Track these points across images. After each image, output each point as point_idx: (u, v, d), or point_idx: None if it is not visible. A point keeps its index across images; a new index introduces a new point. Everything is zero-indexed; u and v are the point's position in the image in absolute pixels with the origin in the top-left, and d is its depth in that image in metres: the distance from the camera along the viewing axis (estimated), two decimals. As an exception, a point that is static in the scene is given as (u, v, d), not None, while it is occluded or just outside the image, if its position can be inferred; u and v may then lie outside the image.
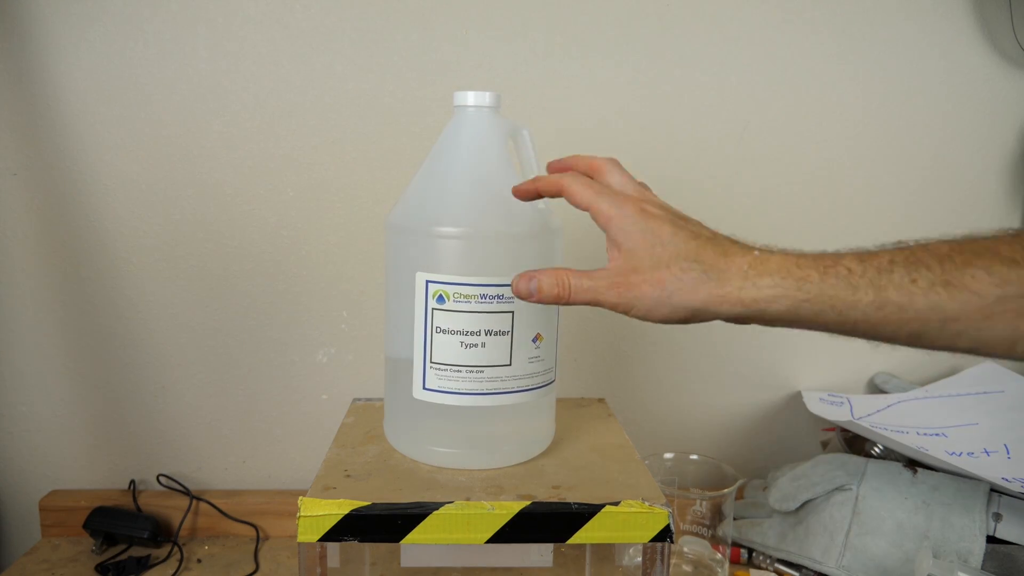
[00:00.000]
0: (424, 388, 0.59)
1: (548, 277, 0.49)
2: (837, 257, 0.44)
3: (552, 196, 0.54)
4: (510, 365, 0.58)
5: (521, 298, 0.51)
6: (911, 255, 0.42)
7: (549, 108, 0.92)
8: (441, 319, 0.57)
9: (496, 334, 0.57)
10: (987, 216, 1.00)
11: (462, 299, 0.57)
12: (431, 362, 0.58)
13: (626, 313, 0.47)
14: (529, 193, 0.54)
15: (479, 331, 0.57)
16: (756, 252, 0.46)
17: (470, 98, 0.60)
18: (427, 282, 0.57)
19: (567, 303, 0.49)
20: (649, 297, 0.46)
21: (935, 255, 0.41)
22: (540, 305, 0.59)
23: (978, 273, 0.39)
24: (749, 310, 0.44)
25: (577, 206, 0.51)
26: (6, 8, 0.85)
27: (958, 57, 0.96)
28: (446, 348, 0.58)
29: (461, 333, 0.57)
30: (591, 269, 0.50)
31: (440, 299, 0.57)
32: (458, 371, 0.58)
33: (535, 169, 0.64)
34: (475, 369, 0.58)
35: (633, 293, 0.46)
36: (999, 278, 0.39)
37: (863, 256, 0.43)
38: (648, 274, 0.46)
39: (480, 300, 0.57)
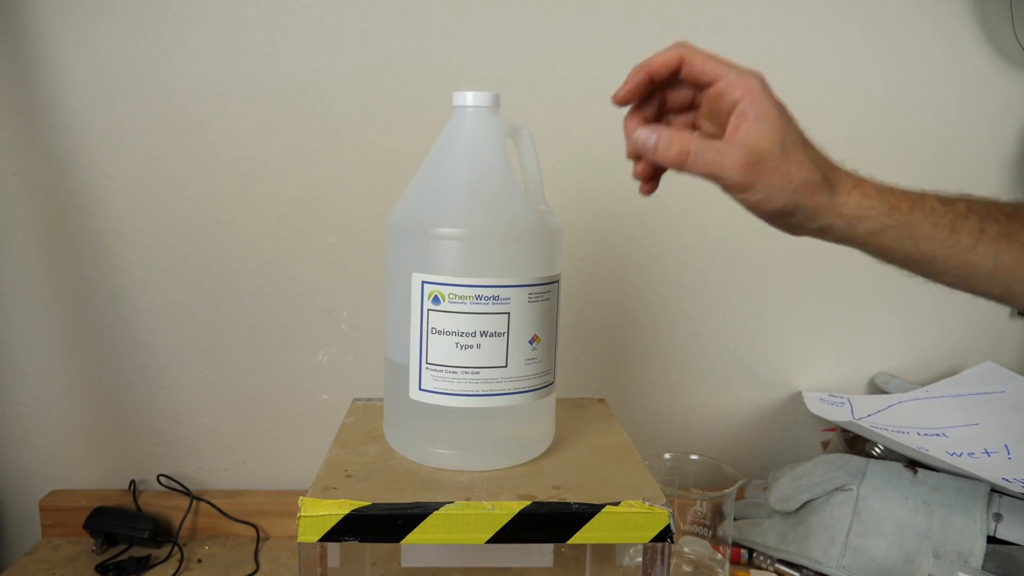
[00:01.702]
0: (420, 389, 0.59)
1: (668, 136, 0.46)
2: (923, 196, 0.49)
3: (667, 73, 0.49)
4: (506, 367, 0.58)
5: (637, 150, 0.48)
6: (984, 207, 0.48)
7: (549, 108, 0.92)
8: (436, 320, 0.57)
9: (492, 335, 0.57)
10: (987, 216, 0.99)
11: (457, 300, 0.57)
12: (427, 363, 0.58)
13: (738, 194, 0.47)
14: (641, 78, 0.49)
15: (474, 332, 0.57)
16: (855, 173, 0.49)
17: (469, 98, 0.60)
18: (423, 283, 0.57)
19: (683, 170, 0.47)
20: (774, 186, 0.46)
21: (1003, 212, 0.48)
22: (536, 307, 0.58)
23: None
24: (846, 223, 0.47)
25: (700, 75, 0.48)
26: (6, 8, 0.85)
27: (958, 57, 0.96)
28: (441, 349, 0.58)
29: (456, 334, 0.57)
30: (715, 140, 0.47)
31: (436, 300, 0.57)
32: (453, 372, 0.58)
33: (535, 169, 0.64)
34: (471, 370, 0.58)
35: (762, 179, 0.46)
36: None
37: (945, 199, 0.49)
38: (779, 162, 0.46)
39: (475, 301, 0.56)
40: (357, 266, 0.93)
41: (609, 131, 0.93)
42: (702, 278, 0.98)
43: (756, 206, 0.47)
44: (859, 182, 0.48)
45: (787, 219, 0.48)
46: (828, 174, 0.47)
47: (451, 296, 0.57)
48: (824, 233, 0.48)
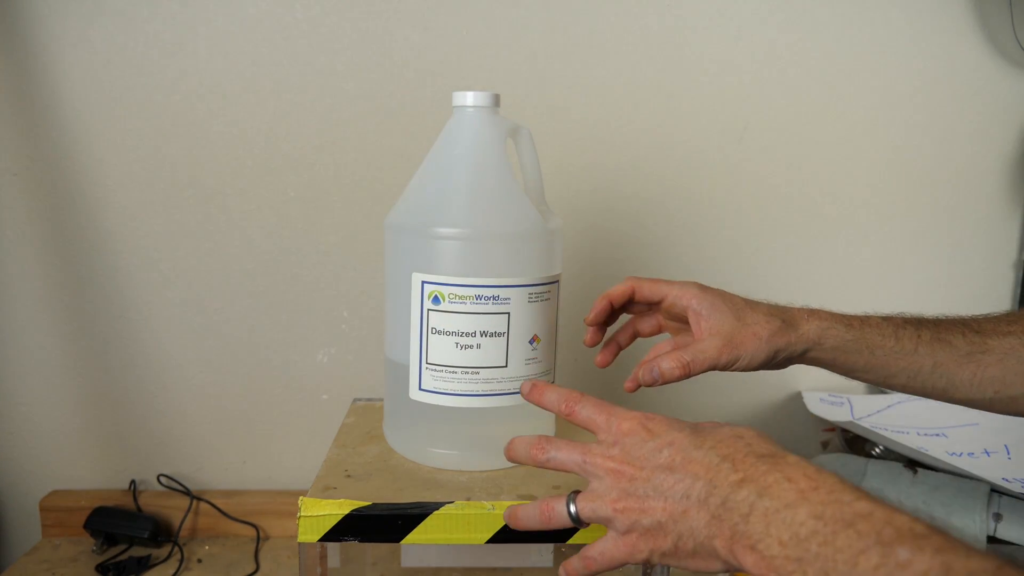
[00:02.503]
0: (420, 389, 0.59)
1: (668, 360, 0.55)
2: (867, 316, 0.59)
3: (623, 300, 0.61)
4: (506, 367, 0.58)
5: (647, 385, 0.57)
6: (915, 319, 0.59)
7: (549, 108, 0.92)
8: (436, 320, 0.57)
9: (492, 335, 0.57)
10: (987, 216, 1.00)
11: (457, 300, 0.57)
12: (427, 363, 0.58)
13: (732, 367, 0.56)
14: (604, 305, 0.61)
15: (474, 332, 0.57)
16: (806, 307, 0.59)
17: (469, 98, 0.60)
18: (423, 283, 0.57)
19: (688, 377, 0.56)
20: (752, 347, 0.55)
21: (931, 321, 0.59)
22: (536, 307, 0.59)
23: (956, 335, 0.57)
24: (815, 345, 0.57)
25: (649, 296, 0.60)
26: (6, 8, 0.85)
27: (958, 57, 0.96)
28: (441, 349, 0.57)
29: (456, 334, 0.57)
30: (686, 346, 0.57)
31: (436, 300, 0.57)
32: (453, 372, 0.58)
33: (535, 169, 0.64)
34: (471, 370, 0.58)
35: (741, 349, 0.55)
36: (969, 339, 0.57)
37: (884, 316, 0.59)
38: (744, 330, 0.56)
39: (475, 301, 0.56)
40: (357, 266, 0.93)
41: (609, 131, 0.94)
42: (701, 278, 0.98)
43: (748, 366, 0.56)
44: (812, 312, 0.58)
45: (776, 361, 0.57)
46: (783, 317, 0.57)
47: (451, 296, 0.57)
48: (803, 357, 0.58)
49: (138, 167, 0.90)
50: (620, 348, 0.64)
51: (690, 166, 0.95)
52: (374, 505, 0.54)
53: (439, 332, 0.57)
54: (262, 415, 0.96)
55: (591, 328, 0.62)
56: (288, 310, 0.94)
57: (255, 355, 0.95)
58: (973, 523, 0.72)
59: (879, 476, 0.78)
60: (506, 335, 0.58)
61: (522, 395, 0.53)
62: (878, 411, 0.93)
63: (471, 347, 0.57)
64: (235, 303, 0.93)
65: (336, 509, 0.54)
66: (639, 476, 0.44)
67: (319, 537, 0.54)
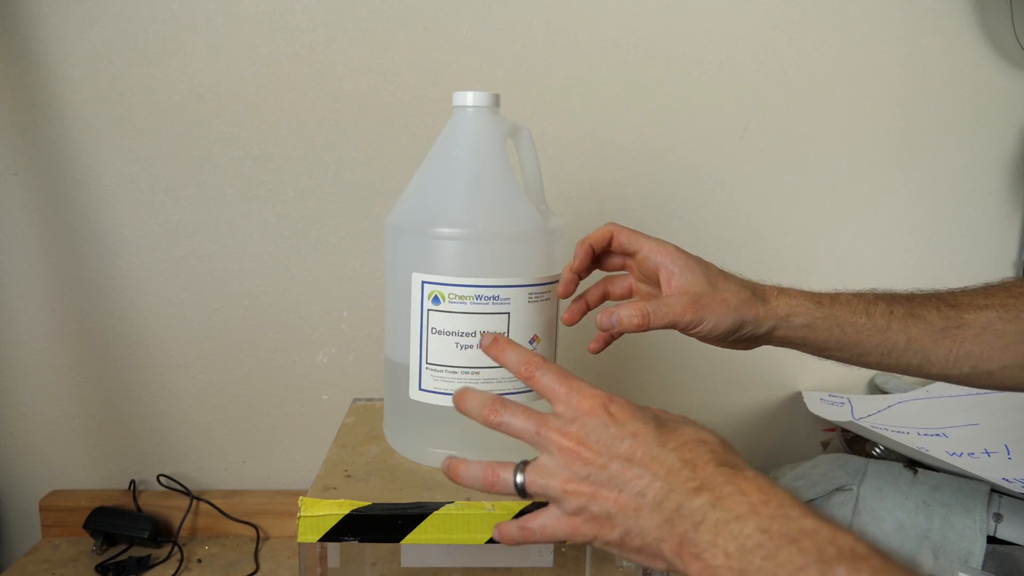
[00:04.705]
0: (420, 389, 0.59)
1: (627, 308, 0.54)
2: (837, 293, 0.58)
3: (602, 244, 0.59)
4: (507, 367, 0.58)
5: (604, 330, 0.56)
6: (887, 295, 0.58)
7: (549, 108, 0.92)
8: (436, 320, 0.57)
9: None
10: (987, 216, 1.00)
11: (457, 300, 0.57)
12: (427, 363, 0.58)
13: (693, 329, 0.55)
14: (586, 249, 0.58)
15: (474, 332, 0.57)
16: (777, 285, 0.58)
17: (470, 98, 0.60)
18: (423, 283, 0.57)
19: (647, 328, 0.54)
20: (718, 313, 0.54)
21: (903, 296, 0.58)
22: (536, 307, 0.59)
23: (930, 310, 0.56)
24: (784, 322, 0.56)
25: (626, 244, 0.58)
26: (6, 8, 0.85)
27: (958, 57, 0.96)
28: (441, 349, 0.57)
29: (456, 334, 0.57)
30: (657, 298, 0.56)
31: (436, 300, 0.57)
32: (453, 372, 0.58)
33: (535, 169, 0.64)
34: (471, 370, 0.58)
35: (707, 312, 0.54)
36: (944, 314, 0.56)
37: (855, 293, 0.58)
38: (713, 295, 0.54)
39: (475, 301, 0.56)
40: (357, 266, 0.93)
41: (609, 131, 0.94)
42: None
43: (710, 333, 0.55)
44: (783, 290, 0.57)
45: (738, 334, 0.56)
46: (755, 290, 0.56)
47: (451, 296, 0.57)
48: (771, 336, 0.57)
49: (138, 167, 0.90)
50: (588, 307, 0.62)
51: (690, 166, 0.95)
52: (374, 505, 0.54)
53: (439, 332, 0.57)
54: (262, 415, 0.96)
55: (572, 305, 0.61)
56: (288, 310, 0.94)
57: (255, 355, 0.95)
58: (973, 523, 0.72)
59: (879, 476, 0.78)
60: (506, 335, 0.58)
61: (481, 347, 0.50)
62: (878, 411, 0.93)
63: (471, 347, 0.57)
64: (235, 303, 0.93)
65: (336, 509, 0.54)
66: (595, 462, 0.43)
67: (319, 537, 0.54)
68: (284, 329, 0.94)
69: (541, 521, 0.45)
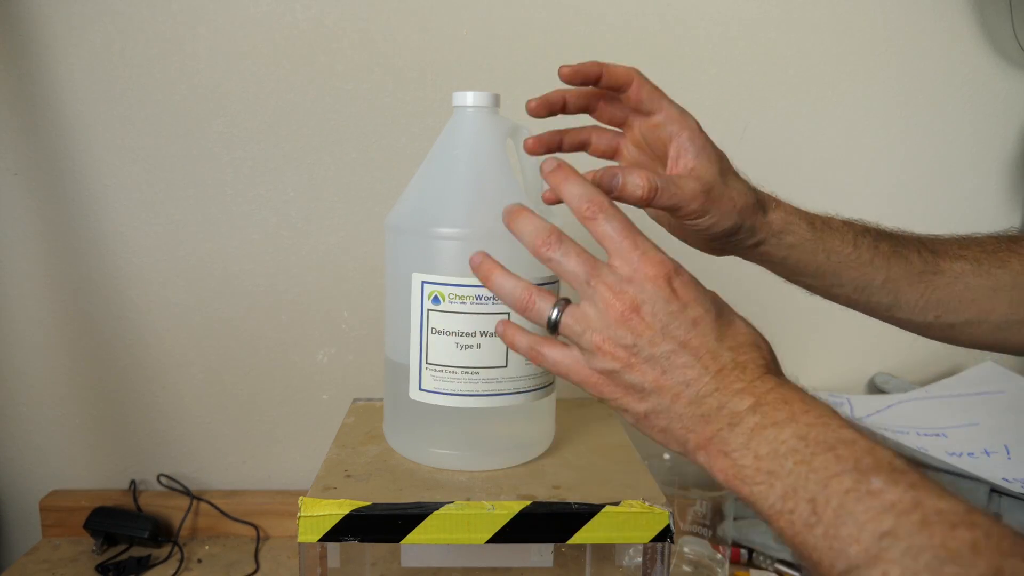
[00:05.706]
0: (420, 389, 0.59)
1: (636, 173, 0.47)
2: (829, 216, 0.56)
3: (614, 82, 0.52)
4: (506, 367, 0.58)
5: (601, 186, 0.48)
6: (875, 229, 0.56)
7: (549, 108, 0.92)
8: (436, 320, 0.57)
9: (492, 335, 0.57)
10: (987, 216, 1.00)
11: (457, 300, 0.57)
12: (427, 363, 0.58)
13: (693, 219, 0.50)
14: (594, 69, 0.51)
15: (474, 332, 0.57)
16: (774, 195, 0.55)
17: (469, 98, 0.60)
18: (423, 283, 0.57)
19: (648, 205, 0.48)
20: (722, 211, 0.50)
21: (890, 233, 0.56)
22: None
23: (912, 251, 0.55)
24: (775, 237, 0.53)
25: (646, 100, 0.51)
26: (6, 8, 0.85)
27: (958, 57, 0.96)
28: (441, 349, 0.57)
29: (456, 334, 0.57)
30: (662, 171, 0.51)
31: (436, 300, 0.57)
32: (453, 372, 0.58)
33: (534, 169, 0.64)
34: (471, 370, 0.58)
35: (713, 205, 0.50)
36: (924, 257, 0.55)
37: (846, 220, 0.56)
38: (723, 190, 0.50)
39: (475, 301, 0.56)
40: (357, 266, 0.93)
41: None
42: (700, 277, 0.98)
43: (708, 229, 0.51)
44: (779, 202, 0.54)
45: (731, 238, 0.52)
46: (758, 196, 0.53)
47: (451, 296, 0.57)
48: (755, 248, 0.54)
49: (138, 167, 0.90)
50: (559, 147, 0.56)
51: (690, 166, 0.95)
52: (374, 505, 0.54)
53: (439, 332, 0.57)
54: (262, 415, 0.96)
55: (539, 98, 0.53)
56: (288, 310, 0.94)
57: (255, 355, 0.95)
58: (973, 523, 0.72)
59: (879, 476, 0.78)
60: (506, 335, 0.57)
61: (542, 173, 0.45)
62: (878, 411, 0.93)
63: (471, 347, 0.57)
64: (235, 303, 0.93)
65: (336, 509, 0.54)
66: (645, 335, 0.40)
67: (319, 537, 0.54)
68: (284, 329, 0.94)
69: (558, 356, 0.43)
